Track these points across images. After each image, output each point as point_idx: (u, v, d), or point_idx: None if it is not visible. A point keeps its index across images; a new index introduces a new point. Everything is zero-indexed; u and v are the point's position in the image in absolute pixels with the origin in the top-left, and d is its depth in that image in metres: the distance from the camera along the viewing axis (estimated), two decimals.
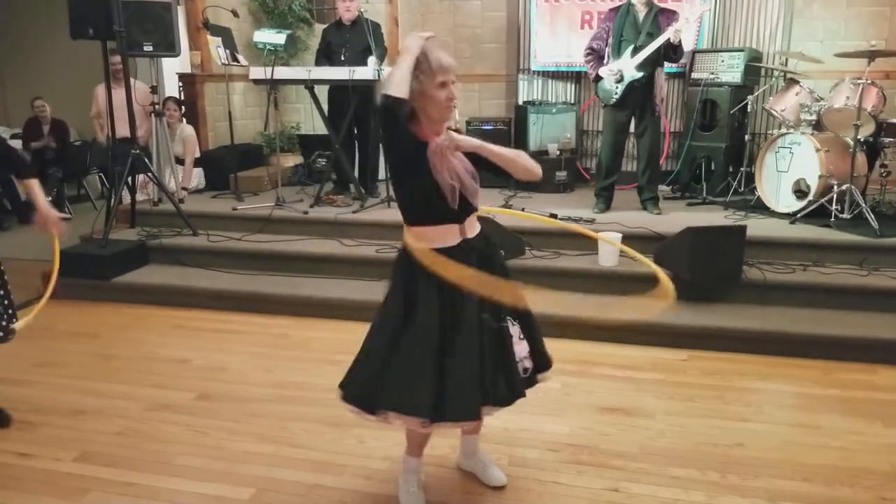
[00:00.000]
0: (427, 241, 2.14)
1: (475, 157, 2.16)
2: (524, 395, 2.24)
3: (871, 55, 4.54)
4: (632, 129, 5.13)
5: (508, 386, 2.19)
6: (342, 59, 5.51)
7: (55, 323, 4.29)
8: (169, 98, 6.21)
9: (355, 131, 5.73)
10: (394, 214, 2.26)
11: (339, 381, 2.26)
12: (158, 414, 3.08)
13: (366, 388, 2.17)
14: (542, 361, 2.35)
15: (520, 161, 2.19)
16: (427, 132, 2.12)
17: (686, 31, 4.79)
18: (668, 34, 4.64)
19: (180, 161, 6.09)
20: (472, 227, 2.22)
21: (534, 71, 6.66)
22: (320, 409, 3.06)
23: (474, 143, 2.09)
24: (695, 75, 5.95)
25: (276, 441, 2.83)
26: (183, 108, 6.48)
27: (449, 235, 2.15)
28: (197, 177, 6.24)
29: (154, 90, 5.48)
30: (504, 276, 2.28)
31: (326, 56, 5.64)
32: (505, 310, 2.23)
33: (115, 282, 4.63)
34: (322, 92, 5.74)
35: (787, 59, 5.88)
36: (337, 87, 5.49)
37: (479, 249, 2.21)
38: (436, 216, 2.12)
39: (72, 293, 4.68)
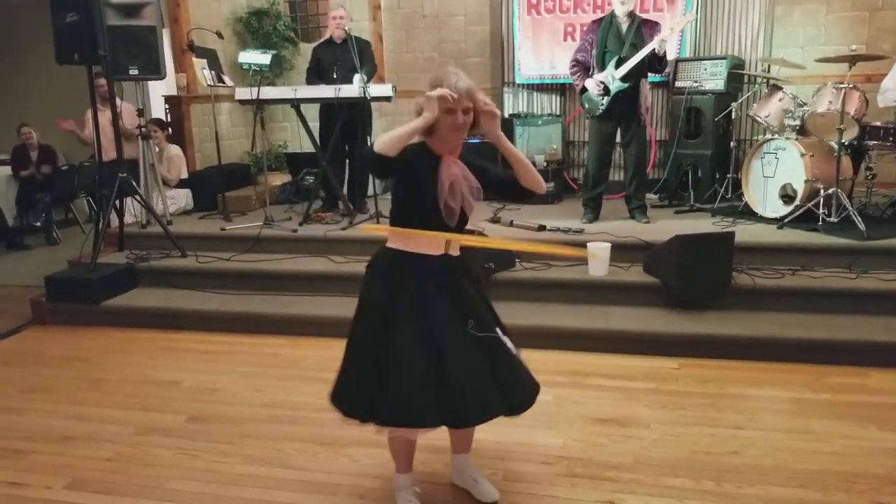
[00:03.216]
0: (411, 245, 2.17)
1: (482, 177, 2.21)
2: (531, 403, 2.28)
3: (852, 59, 4.58)
4: (618, 139, 5.15)
5: (512, 394, 2.21)
6: (334, 76, 5.53)
7: (44, 348, 4.27)
8: (151, 120, 6.20)
9: (346, 148, 5.74)
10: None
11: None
12: (149, 438, 3.05)
13: (362, 400, 2.15)
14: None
15: (530, 167, 2.23)
16: (441, 147, 2.16)
17: (669, 41, 4.83)
18: (653, 44, 4.66)
19: (167, 183, 6.08)
20: (455, 245, 2.24)
21: (518, 84, 6.69)
22: (313, 429, 3.04)
23: (498, 131, 2.17)
24: (678, 84, 6.00)
25: (269, 462, 2.80)
26: (170, 129, 6.49)
27: (433, 245, 2.17)
28: (185, 198, 6.23)
29: (140, 113, 5.48)
30: (479, 293, 2.30)
31: (317, 74, 5.66)
32: (490, 321, 2.24)
33: (104, 305, 4.60)
34: (313, 110, 5.76)
35: (769, 66, 5.94)
36: (327, 105, 5.51)
37: (457, 266, 2.24)
38: (428, 224, 2.15)
39: (60, 318, 4.65)
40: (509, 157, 2.21)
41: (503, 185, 2.27)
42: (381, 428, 2.16)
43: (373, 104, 5.56)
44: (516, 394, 2.23)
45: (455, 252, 2.24)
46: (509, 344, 2.22)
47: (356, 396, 2.17)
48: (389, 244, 2.24)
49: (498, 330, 2.23)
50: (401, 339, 2.11)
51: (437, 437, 2.47)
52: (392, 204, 2.25)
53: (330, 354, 3.84)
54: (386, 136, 2.04)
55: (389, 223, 2.25)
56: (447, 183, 2.12)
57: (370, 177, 5.65)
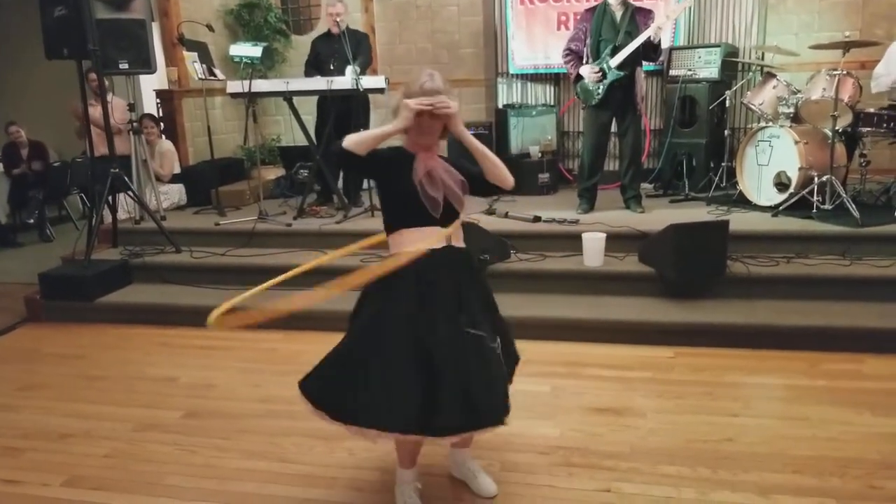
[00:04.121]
0: (410, 243, 2.16)
1: (466, 172, 2.21)
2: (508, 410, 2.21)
3: (846, 46, 4.58)
4: (613, 128, 5.14)
5: (496, 404, 2.16)
6: (331, 68, 5.52)
7: (39, 346, 4.26)
8: (145, 115, 6.17)
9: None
10: (378, 224, 2.27)
11: None
12: (146, 434, 3.05)
13: (339, 398, 2.14)
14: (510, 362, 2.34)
15: (496, 163, 2.21)
16: (416, 147, 2.17)
17: (664, 29, 4.81)
18: (648, 32, 4.65)
19: (160, 178, 6.06)
20: (457, 235, 2.23)
21: (512, 74, 6.67)
22: (310, 423, 3.00)
23: (462, 128, 2.14)
24: (672, 72, 5.99)
25: (267, 457, 2.80)
26: (162, 124, 6.46)
27: (432, 238, 2.16)
28: (178, 193, 6.21)
29: (132, 108, 5.45)
30: (483, 286, 2.30)
31: (315, 67, 5.64)
32: (482, 322, 2.21)
33: (99, 302, 4.59)
34: (308, 103, 5.73)
35: (763, 54, 5.93)
36: (323, 98, 5.49)
37: (459, 257, 2.23)
38: (419, 220, 2.15)
39: (55, 315, 4.64)
40: (473, 152, 2.20)
41: (476, 183, 2.24)
42: (358, 432, 2.12)
43: (370, 97, 5.55)
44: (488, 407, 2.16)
45: (457, 241, 2.23)
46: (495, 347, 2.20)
47: (334, 393, 2.16)
48: (392, 250, 2.23)
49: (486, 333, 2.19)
50: (392, 344, 2.10)
51: None
52: (382, 209, 2.27)
53: (327, 349, 3.83)
54: (357, 135, 2.09)
55: (385, 226, 2.26)
56: (422, 171, 2.13)
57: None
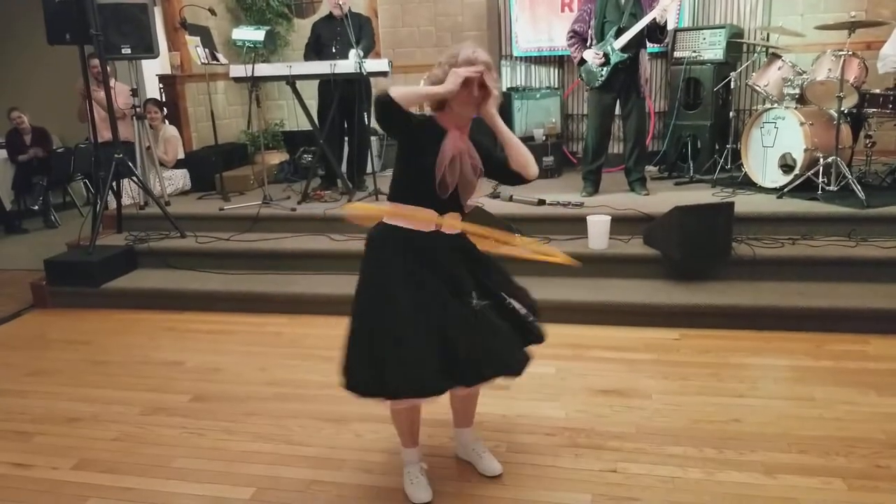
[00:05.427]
0: (401, 219, 2.17)
1: (486, 160, 2.21)
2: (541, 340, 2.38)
3: (852, 26, 4.54)
4: (617, 111, 5.12)
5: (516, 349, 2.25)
6: (333, 52, 5.48)
7: (46, 331, 4.28)
8: (149, 100, 6.16)
9: (345, 125, 5.70)
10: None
11: (334, 376, 2.25)
12: (154, 418, 3.07)
13: (375, 376, 2.12)
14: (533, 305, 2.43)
15: (522, 149, 2.21)
16: (449, 122, 2.15)
17: (669, 10, 4.78)
18: (654, 13, 4.61)
19: (164, 164, 6.06)
20: (451, 225, 2.22)
21: (516, 57, 6.64)
22: (316, 406, 3.06)
23: (494, 111, 2.16)
24: (677, 54, 5.95)
25: (274, 439, 2.82)
26: (165, 109, 6.44)
27: (423, 222, 2.17)
28: (182, 178, 6.21)
29: (134, 93, 5.43)
30: (485, 268, 2.31)
31: (315, 50, 5.59)
32: (490, 285, 2.26)
33: (105, 288, 4.60)
34: (311, 87, 5.70)
35: (768, 34, 5.88)
36: (325, 82, 5.46)
37: (451, 242, 2.22)
38: (419, 198, 2.14)
39: (61, 301, 4.66)
40: (501, 136, 2.20)
41: (498, 168, 2.26)
42: (394, 401, 2.14)
43: (371, 80, 5.52)
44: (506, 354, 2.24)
45: (448, 229, 2.22)
46: (518, 307, 2.31)
47: (364, 373, 2.15)
48: (385, 219, 2.24)
49: (505, 295, 2.30)
50: (399, 312, 2.10)
51: (442, 410, 2.49)
52: (392, 176, 2.25)
53: (332, 332, 3.84)
54: (405, 88, 2.05)
55: (388, 194, 2.25)
56: (449, 155, 2.11)
57: (368, 153, 5.62)
